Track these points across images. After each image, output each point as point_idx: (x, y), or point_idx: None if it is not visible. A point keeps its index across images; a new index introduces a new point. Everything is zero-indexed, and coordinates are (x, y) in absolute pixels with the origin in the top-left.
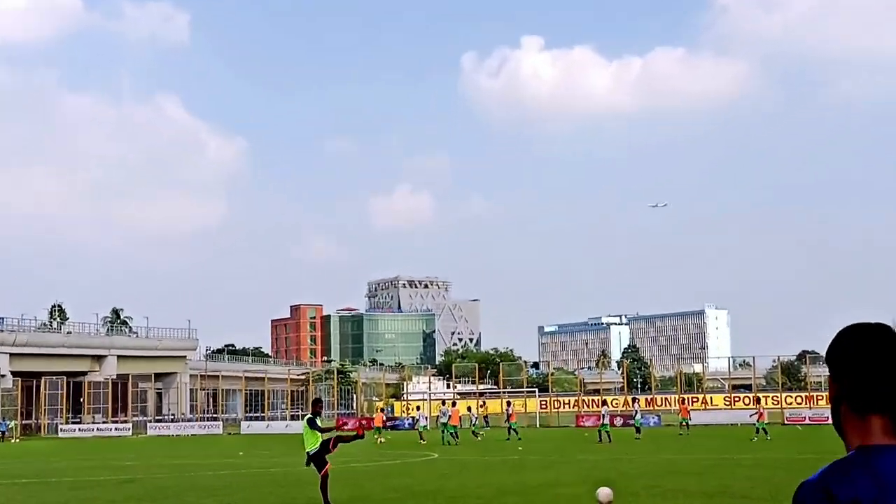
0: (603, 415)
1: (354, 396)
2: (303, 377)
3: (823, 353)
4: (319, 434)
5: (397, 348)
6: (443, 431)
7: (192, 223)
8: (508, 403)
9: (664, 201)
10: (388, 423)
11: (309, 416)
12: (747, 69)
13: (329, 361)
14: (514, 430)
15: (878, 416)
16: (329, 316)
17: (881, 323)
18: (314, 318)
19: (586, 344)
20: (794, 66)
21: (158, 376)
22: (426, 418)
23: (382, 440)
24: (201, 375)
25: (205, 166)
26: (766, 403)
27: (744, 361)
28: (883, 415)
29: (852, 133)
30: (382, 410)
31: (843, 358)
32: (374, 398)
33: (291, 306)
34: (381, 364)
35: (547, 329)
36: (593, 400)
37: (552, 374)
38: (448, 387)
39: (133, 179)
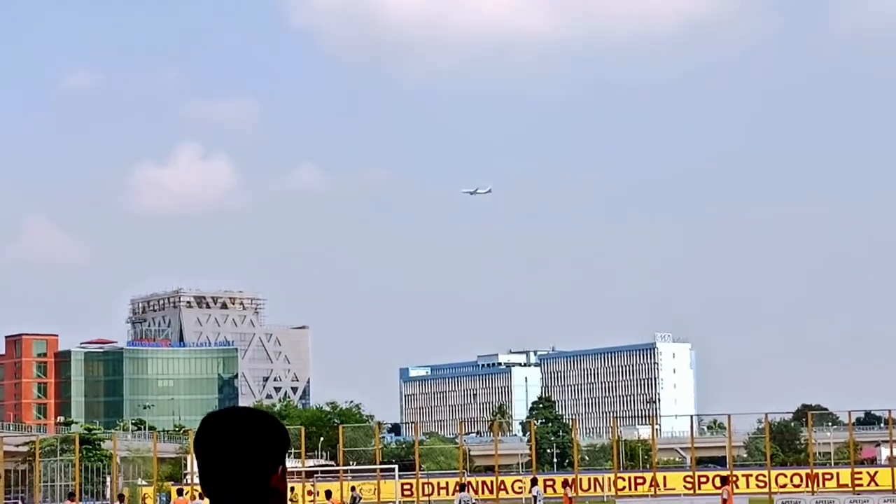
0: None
1: (108, 479)
2: (25, 449)
3: (832, 409)
4: None
5: (178, 403)
6: None
7: None
8: (353, 489)
9: (487, 185)
10: None
11: None
12: None
13: (68, 423)
14: None
15: (208, 499)
16: (69, 352)
17: (234, 408)
18: (44, 355)
19: (474, 396)
20: None
21: None
22: None
23: None
24: None
25: None
26: (747, 485)
27: (714, 422)
28: (208, 498)
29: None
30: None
31: (194, 443)
32: (139, 481)
33: (7, 338)
34: (153, 427)
35: (414, 373)
36: (485, 482)
37: (421, 443)
38: None
39: None
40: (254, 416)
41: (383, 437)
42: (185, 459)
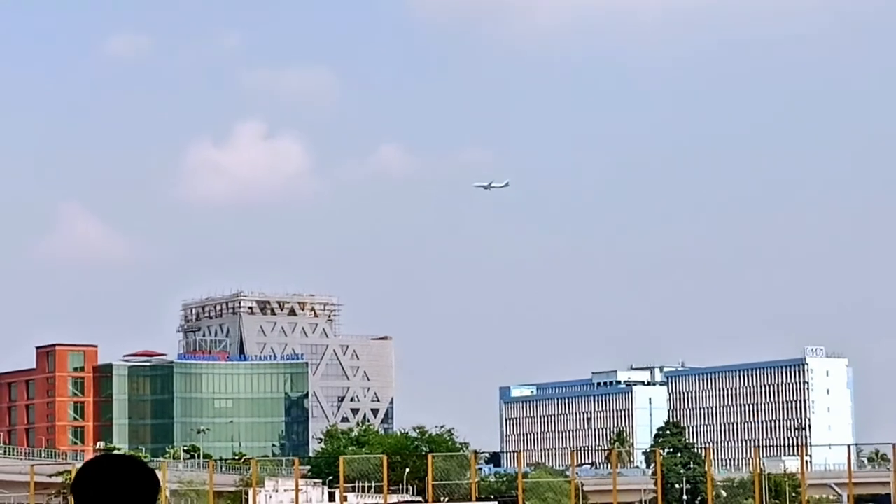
0: None
1: None
2: (59, 480)
3: None
4: None
5: (237, 426)
6: None
7: None
8: None
9: (504, 179)
10: None
11: None
12: None
13: (109, 451)
14: None
15: None
16: (110, 366)
17: (108, 456)
18: (81, 370)
19: (588, 420)
20: None
21: None
22: None
23: None
24: None
25: None
26: None
27: (877, 453)
28: None
29: None
30: None
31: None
32: None
33: (38, 349)
34: (208, 456)
35: (516, 393)
36: None
37: (525, 476)
38: (331, 498)
39: None
40: (127, 464)
41: (480, 469)
42: (247, 494)
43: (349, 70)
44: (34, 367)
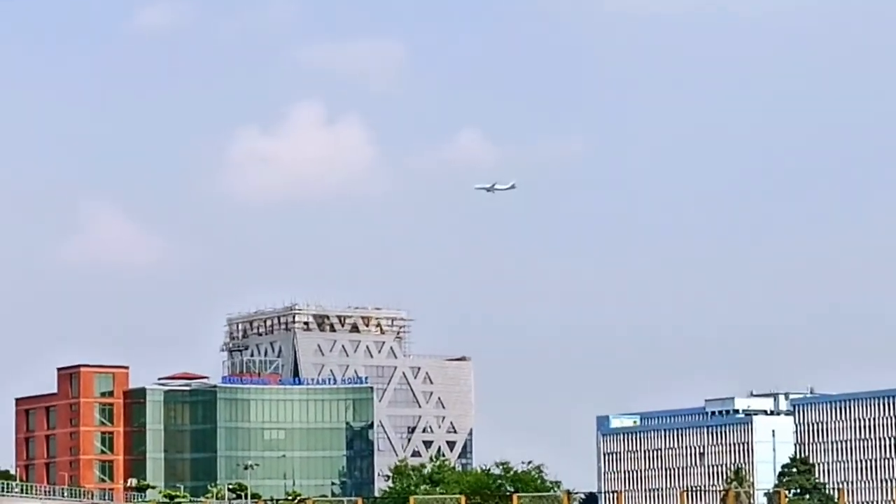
0: None
1: None
2: None
3: None
4: None
5: (291, 461)
6: None
7: None
8: None
9: (511, 180)
10: None
11: None
12: None
13: (142, 489)
14: None
15: None
16: (143, 391)
17: None
18: (109, 395)
19: (700, 455)
20: None
21: None
22: None
23: None
24: None
25: None
26: None
27: None
28: None
29: None
30: None
31: None
32: None
33: (59, 371)
34: (256, 496)
35: (616, 423)
36: None
37: None
38: None
39: None
40: None
41: None
42: None
43: (421, 43)
44: (55, 391)
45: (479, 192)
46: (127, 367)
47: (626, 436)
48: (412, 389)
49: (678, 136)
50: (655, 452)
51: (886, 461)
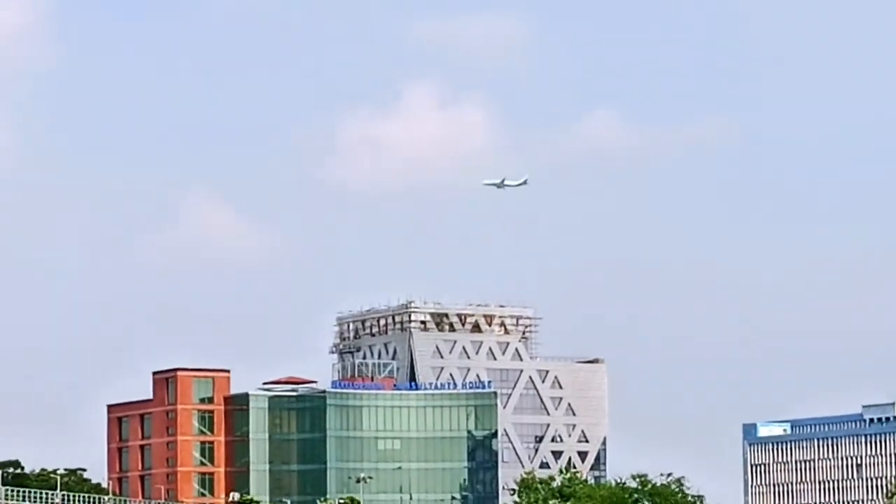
0: None
1: None
2: None
3: None
4: None
5: (408, 474)
6: None
7: None
8: None
9: (523, 176)
10: None
11: None
12: None
13: (245, 503)
14: None
15: None
16: (245, 396)
17: None
18: (209, 401)
19: (858, 467)
20: None
21: None
22: None
23: None
24: None
25: None
26: None
27: None
28: None
29: None
30: None
31: None
32: None
33: (155, 375)
34: None
35: (764, 431)
36: None
37: None
38: None
39: None
40: None
41: None
42: None
43: (548, 17)
44: (151, 397)
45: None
46: (228, 371)
47: (775, 445)
48: (540, 395)
49: (826, 121)
50: (807, 463)
51: None
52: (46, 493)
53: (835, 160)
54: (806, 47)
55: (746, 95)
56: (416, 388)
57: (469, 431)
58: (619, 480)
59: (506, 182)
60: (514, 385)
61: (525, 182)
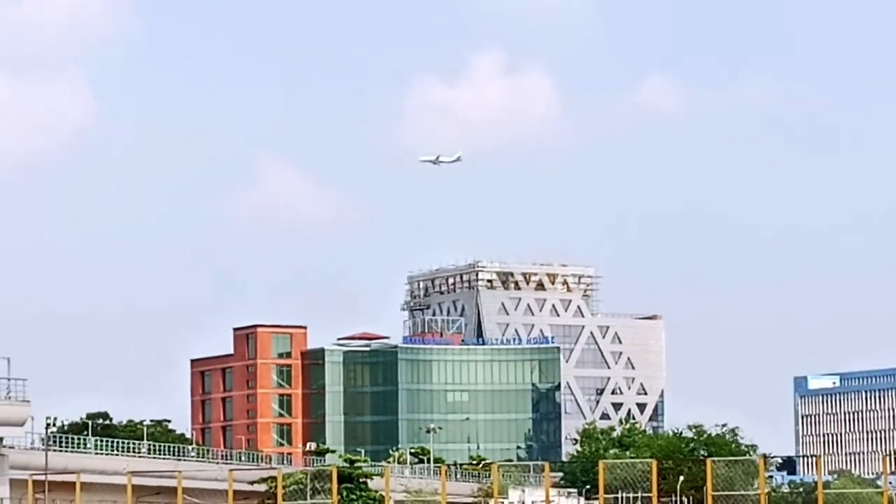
0: None
1: None
2: (263, 488)
3: None
4: None
5: (475, 425)
6: None
7: None
8: None
9: (457, 152)
10: None
11: None
12: None
13: (321, 453)
14: None
15: None
16: (321, 351)
17: None
18: (287, 356)
19: None
20: None
21: None
22: None
23: None
24: (35, 480)
25: None
26: None
27: None
28: None
29: None
30: None
31: None
32: None
33: (236, 331)
34: (439, 460)
35: (815, 384)
36: None
37: (826, 486)
38: None
39: None
40: None
41: (771, 477)
42: None
43: None
44: (231, 352)
45: (425, 164)
46: (305, 328)
47: (825, 397)
48: (600, 349)
49: (874, 76)
50: (856, 415)
51: None
52: (134, 443)
53: (887, 113)
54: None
55: (793, 56)
56: (483, 344)
57: (533, 384)
58: (675, 431)
59: (440, 159)
60: (576, 340)
61: (459, 159)
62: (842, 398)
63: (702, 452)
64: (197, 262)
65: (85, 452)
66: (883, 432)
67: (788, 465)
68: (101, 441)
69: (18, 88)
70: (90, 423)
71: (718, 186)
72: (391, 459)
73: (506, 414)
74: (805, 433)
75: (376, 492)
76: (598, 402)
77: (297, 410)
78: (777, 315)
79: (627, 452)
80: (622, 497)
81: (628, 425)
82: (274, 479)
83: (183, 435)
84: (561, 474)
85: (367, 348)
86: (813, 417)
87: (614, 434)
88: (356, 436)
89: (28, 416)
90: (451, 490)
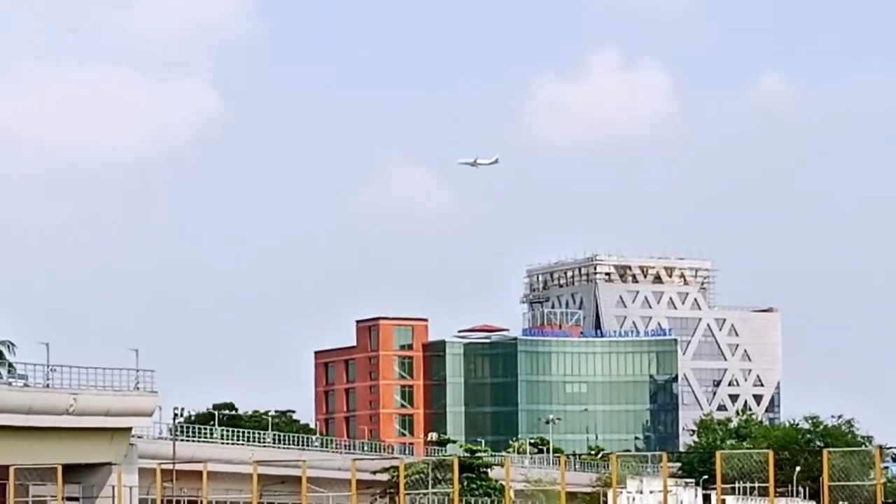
0: None
1: None
2: (386, 477)
3: None
4: None
5: (594, 415)
6: None
7: None
8: None
9: (494, 155)
10: None
11: None
12: None
13: (443, 443)
14: None
15: None
16: (442, 343)
17: None
18: (408, 348)
19: None
20: None
21: (72, 471)
22: None
23: None
24: (163, 469)
25: None
26: None
27: None
28: None
29: None
30: None
31: None
32: None
33: (358, 323)
34: (559, 450)
35: None
36: None
37: None
38: (706, 501)
39: None
40: None
41: (887, 468)
42: (605, 495)
43: None
44: (354, 344)
45: (463, 166)
46: (426, 320)
47: None
48: (717, 342)
49: None
50: None
51: None
52: (259, 433)
53: None
54: None
55: None
56: (602, 336)
57: (651, 376)
58: (792, 422)
59: (478, 161)
60: (693, 332)
61: (496, 161)
62: None
63: (818, 443)
64: (321, 257)
65: (211, 442)
66: None
67: None
68: (227, 431)
69: (145, 88)
70: (216, 413)
71: (834, 181)
72: (511, 449)
73: (624, 405)
74: None
75: (496, 481)
76: (714, 393)
77: (419, 401)
78: (892, 306)
79: (744, 443)
80: (739, 487)
81: (745, 416)
82: (396, 468)
83: (307, 425)
84: (678, 465)
85: (488, 340)
86: None
87: (731, 425)
88: (476, 426)
89: (156, 406)
90: (570, 480)
